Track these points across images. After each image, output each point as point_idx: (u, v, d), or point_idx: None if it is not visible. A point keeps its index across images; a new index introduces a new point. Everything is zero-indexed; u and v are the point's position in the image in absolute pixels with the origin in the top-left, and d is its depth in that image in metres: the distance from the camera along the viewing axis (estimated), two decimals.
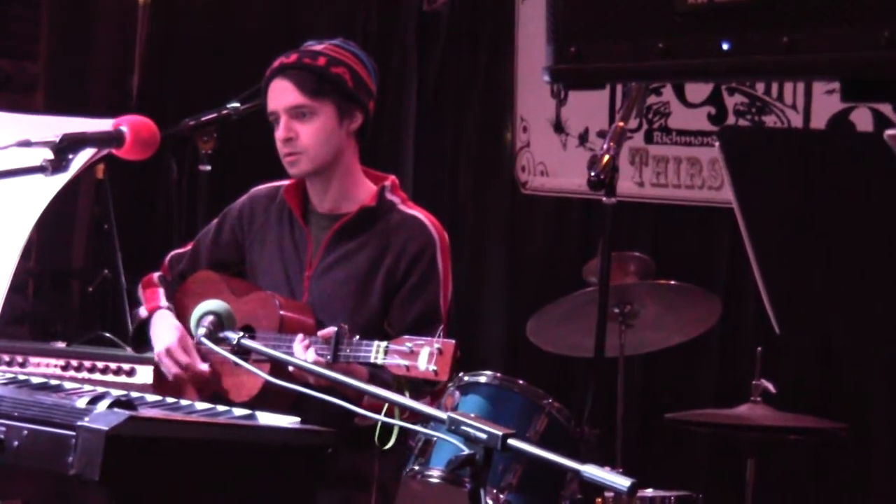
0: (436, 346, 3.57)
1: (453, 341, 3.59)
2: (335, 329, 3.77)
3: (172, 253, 4.42)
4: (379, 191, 4.14)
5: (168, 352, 4.09)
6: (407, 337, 3.66)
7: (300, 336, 3.83)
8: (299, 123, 4.07)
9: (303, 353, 3.78)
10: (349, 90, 4.09)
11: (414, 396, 3.56)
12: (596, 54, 2.03)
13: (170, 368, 4.08)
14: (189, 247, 4.39)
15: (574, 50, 2.04)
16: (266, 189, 4.31)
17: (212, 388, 4.04)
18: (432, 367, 3.56)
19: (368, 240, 4.10)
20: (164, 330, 4.14)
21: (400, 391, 3.59)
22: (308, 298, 4.10)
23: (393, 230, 4.10)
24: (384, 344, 3.66)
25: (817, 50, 1.85)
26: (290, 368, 3.64)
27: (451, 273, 4.12)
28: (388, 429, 3.67)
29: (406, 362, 3.60)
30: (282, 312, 3.98)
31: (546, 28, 2.07)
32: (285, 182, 4.23)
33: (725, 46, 1.91)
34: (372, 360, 3.68)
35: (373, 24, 6.99)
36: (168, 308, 4.22)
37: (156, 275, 4.36)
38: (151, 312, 4.22)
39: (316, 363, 3.65)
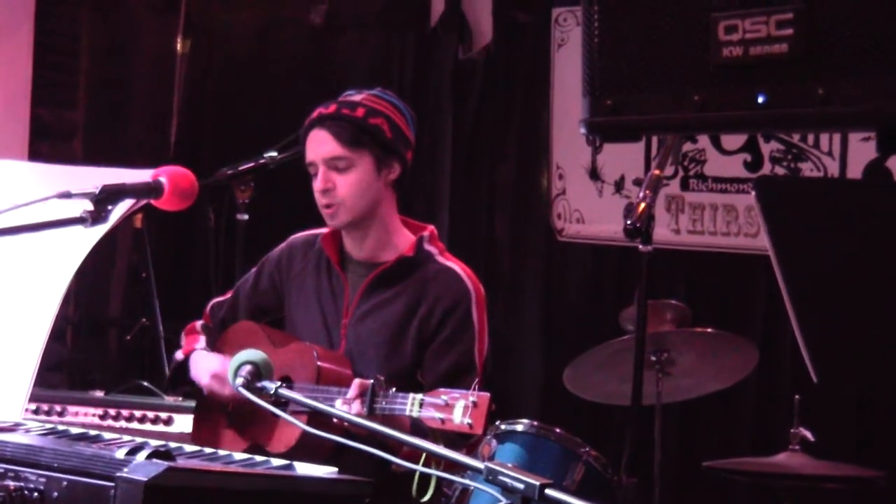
0: (471, 399, 3.55)
1: (488, 394, 3.56)
2: (369, 382, 3.77)
3: (213, 301, 4.46)
4: (417, 241, 4.15)
5: (215, 376, 4.12)
6: (442, 390, 3.65)
7: (339, 401, 3.82)
8: (337, 174, 4.08)
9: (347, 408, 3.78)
10: (387, 141, 4.10)
11: (449, 447, 3.55)
12: (632, 107, 2.04)
13: (222, 389, 4.10)
14: (229, 294, 4.42)
15: (610, 103, 2.05)
16: (304, 236, 4.33)
17: (250, 439, 4.05)
18: (467, 420, 3.54)
19: (404, 289, 4.10)
20: (206, 362, 4.21)
21: (435, 444, 3.58)
22: (345, 345, 4.11)
23: (429, 281, 4.10)
24: (419, 396, 3.65)
25: (853, 102, 1.86)
26: (334, 420, 3.64)
27: (486, 326, 4.11)
28: (426, 479, 3.66)
29: (441, 415, 3.58)
30: (319, 364, 3.98)
31: (582, 81, 2.08)
32: (323, 230, 4.24)
33: (761, 99, 1.92)
34: (407, 413, 3.67)
35: (408, 71, 7.01)
36: (204, 349, 4.27)
37: (198, 323, 4.41)
38: (188, 355, 4.27)
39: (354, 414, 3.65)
